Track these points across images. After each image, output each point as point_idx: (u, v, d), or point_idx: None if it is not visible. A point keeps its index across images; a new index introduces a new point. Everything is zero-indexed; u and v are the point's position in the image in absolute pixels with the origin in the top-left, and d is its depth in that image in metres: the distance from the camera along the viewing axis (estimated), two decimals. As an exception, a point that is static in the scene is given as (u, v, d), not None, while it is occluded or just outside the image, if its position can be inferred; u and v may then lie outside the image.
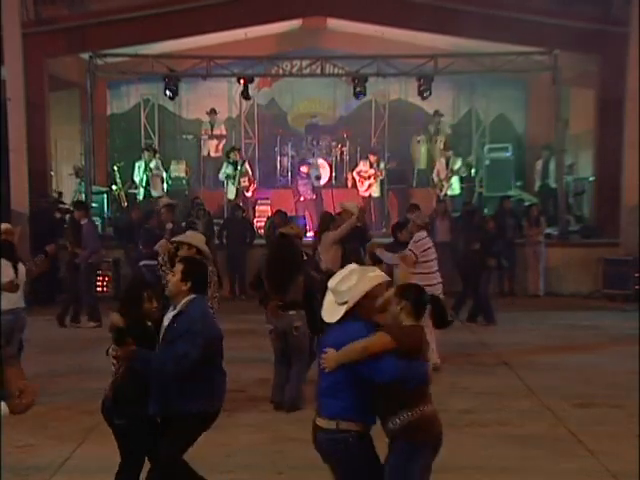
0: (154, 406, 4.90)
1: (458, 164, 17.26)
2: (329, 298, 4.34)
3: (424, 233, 9.39)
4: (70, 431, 7.15)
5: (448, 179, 17.16)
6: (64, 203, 16.41)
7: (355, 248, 10.03)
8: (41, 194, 15.66)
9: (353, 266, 4.38)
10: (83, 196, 16.52)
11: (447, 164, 17.27)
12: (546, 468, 5.88)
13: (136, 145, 19.06)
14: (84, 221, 12.90)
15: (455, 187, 17.34)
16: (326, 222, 10.13)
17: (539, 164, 17.56)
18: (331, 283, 4.30)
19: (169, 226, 12.84)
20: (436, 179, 17.40)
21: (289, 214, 16.21)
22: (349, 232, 9.58)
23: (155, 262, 11.26)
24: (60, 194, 17.20)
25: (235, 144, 18.74)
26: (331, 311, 4.29)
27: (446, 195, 17.11)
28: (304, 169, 17.70)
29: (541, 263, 15.04)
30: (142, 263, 12.24)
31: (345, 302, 4.19)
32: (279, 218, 13.43)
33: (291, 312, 7.69)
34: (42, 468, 6.18)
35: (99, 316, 12.23)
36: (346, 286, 4.21)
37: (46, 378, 8.88)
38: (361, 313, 4.20)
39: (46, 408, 7.79)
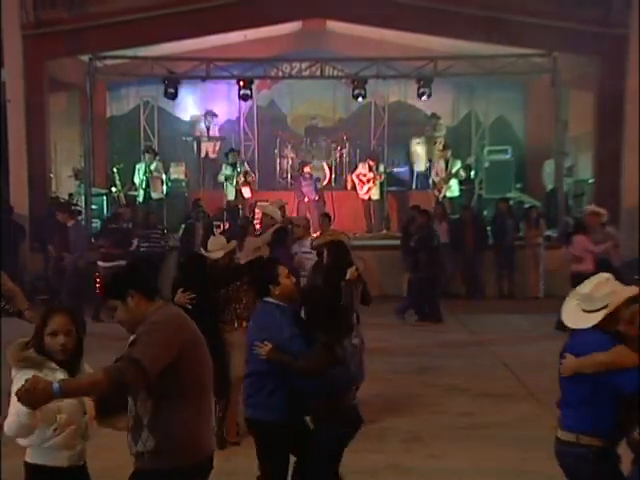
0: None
1: (457, 166, 17.25)
2: (572, 304, 4.26)
3: None
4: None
5: (447, 181, 17.16)
6: (62, 203, 16.36)
7: (284, 253, 9.45)
8: (42, 197, 15.65)
9: (606, 274, 4.36)
10: (83, 198, 16.53)
11: (446, 166, 17.26)
12: (546, 471, 5.87)
13: (136, 147, 19.06)
14: (70, 223, 12.81)
15: (454, 189, 17.33)
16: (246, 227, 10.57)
17: (550, 165, 17.40)
18: (583, 289, 4.24)
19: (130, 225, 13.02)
20: (437, 179, 17.36)
21: (291, 215, 16.27)
22: (274, 237, 9.48)
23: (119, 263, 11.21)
24: (70, 195, 17.15)
25: (235, 146, 18.74)
26: (577, 317, 4.19)
27: (445, 197, 17.11)
28: (308, 170, 17.68)
29: (541, 265, 15.04)
30: (114, 264, 12.18)
31: (601, 308, 4.11)
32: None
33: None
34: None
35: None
36: (604, 292, 4.15)
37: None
38: (610, 321, 4.12)
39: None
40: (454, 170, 17.10)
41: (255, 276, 5.22)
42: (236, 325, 6.96)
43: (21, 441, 3.76)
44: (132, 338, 3.58)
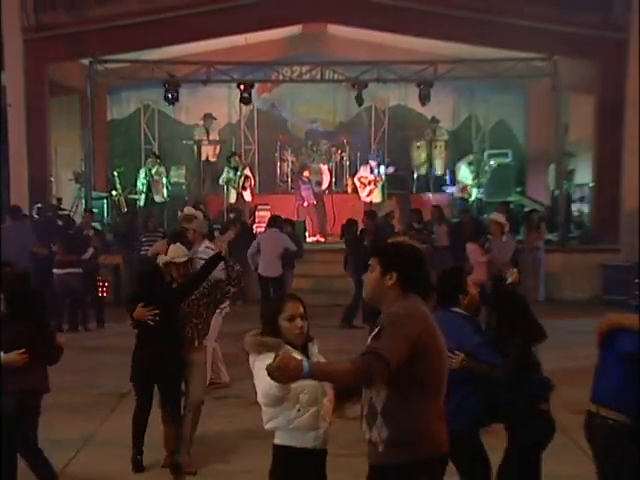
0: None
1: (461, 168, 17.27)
2: None
3: None
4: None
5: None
6: (63, 209, 16.38)
7: None
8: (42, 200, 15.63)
9: None
10: (84, 202, 16.53)
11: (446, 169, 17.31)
12: (547, 475, 5.87)
13: (136, 151, 19.08)
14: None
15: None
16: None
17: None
18: None
19: (90, 231, 12.85)
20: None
21: (294, 219, 16.25)
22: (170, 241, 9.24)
23: (80, 270, 10.86)
24: (59, 200, 17.15)
25: (235, 149, 18.76)
26: None
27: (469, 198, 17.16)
28: (307, 174, 17.69)
29: (541, 269, 15.03)
30: (67, 271, 12.05)
31: None
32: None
33: None
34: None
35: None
36: None
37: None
38: None
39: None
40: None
41: (443, 286, 4.96)
42: (196, 343, 6.47)
43: (269, 424, 3.93)
44: (375, 331, 3.53)
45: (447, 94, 19.08)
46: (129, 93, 20.04)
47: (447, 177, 18.43)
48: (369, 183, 17.45)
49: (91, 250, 12.90)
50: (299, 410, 3.86)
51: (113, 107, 20.09)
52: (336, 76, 17.54)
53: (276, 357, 3.34)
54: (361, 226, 13.17)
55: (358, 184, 17.61)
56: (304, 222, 17.19)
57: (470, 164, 17.45)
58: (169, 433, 6.39)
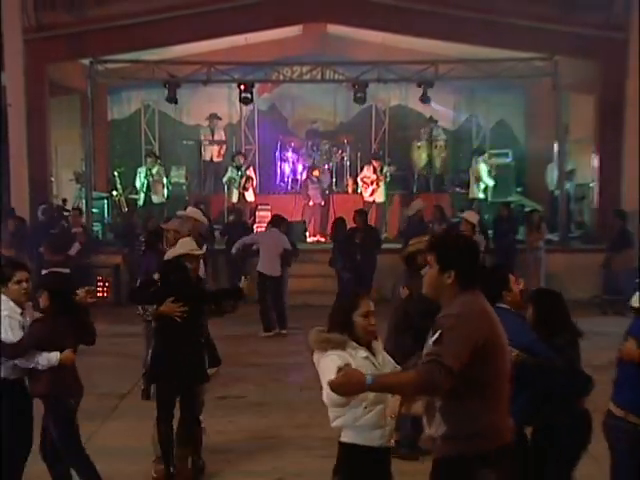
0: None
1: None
2: None
3: None
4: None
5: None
6: (68, 210, 16.34)
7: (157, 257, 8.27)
8: (43, 200, 15.61)
9: None
10: (84, 202, 16.53)
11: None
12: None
13: (137, 151, 19.07)
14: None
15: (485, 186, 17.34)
16: None
17: (553, 168, 17.25)
18: None
19: (78, 230, 12.73)
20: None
21: (294, 219, 16.27)
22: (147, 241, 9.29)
23: (67, 270, 10.73)
24: (64, 201, 17.12)
25: (236, 149, 18.75)
26: None
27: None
28: (316, 173, 17.66)
29: (541, 269, 15.02)
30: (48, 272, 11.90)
31: None
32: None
33: None
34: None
35: None
36: None
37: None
38: None
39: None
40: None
41: (487, 283, 5.00)
42: None
43: (336, 422, 3.99)
44: (436, 336, 3.51)
45: (447, 94, 19.07)
46: (129, 93, 20.03)
47: (464, 176, 18.13)
48: (372, 183, 17.43)
49: (77, 245, 12.73)
50: (365, 407, 3.90)
51: (113, 107, 20.08)
52: (336, 76, 17.52)
53: (339, 371, 3.45)
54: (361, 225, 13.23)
55: (361, 184, 17.60)
56: (304, 222, 17.19)
57: (485, 162, 17.38)
58: (183, 436, 6.19)
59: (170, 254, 6.37)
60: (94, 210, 16.64)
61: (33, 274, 5.91)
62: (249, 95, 16.96)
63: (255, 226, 16.48)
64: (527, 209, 16.60)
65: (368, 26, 16.54)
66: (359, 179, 17.73)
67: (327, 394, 3.71)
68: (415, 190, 18.51)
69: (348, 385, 3.37)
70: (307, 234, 17.07)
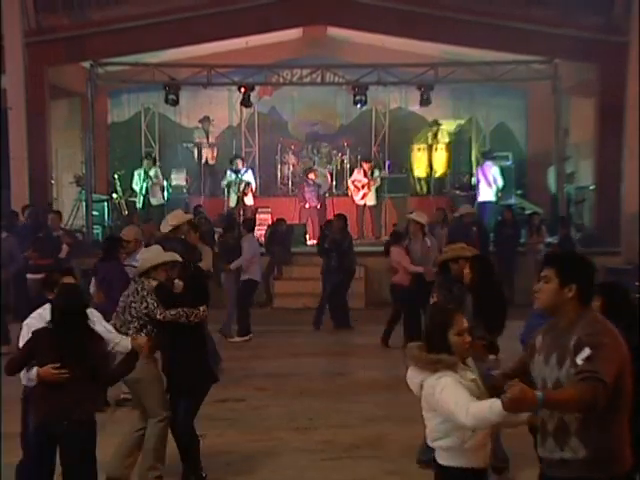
0: None
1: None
2: None
3: None
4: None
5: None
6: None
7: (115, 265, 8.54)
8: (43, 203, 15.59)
9: None
10: (84, 205, 16.52)
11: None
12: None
13: (137, 153, 19.07)
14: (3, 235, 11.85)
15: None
16: None
17: (554, 171, 17.29)
18: None
19: (59, 232, 12.67)
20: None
21: (291, 222, 16.25)
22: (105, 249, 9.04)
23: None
24: (50, 204, 16.97)
25: (236, 152, 18.76)
26: None
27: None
28: (312, 176, 17.67)
29: (542, 271, 14.97)
30: (39, 277, 11.56)
31: None
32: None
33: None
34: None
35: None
36: None
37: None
38: None
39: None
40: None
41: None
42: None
43: (439, 443, 3.79)
44: (588, 353, 3.43)
45: (447, 97, 19.08)
46: (130, 96, 20.03)
47: (475, 179, 18.00)
48: (362, 186, 17.43)
49: (66, 248, 12.55)
50: (474, 430, 3.72)
51: (114, 110, 20.10)
52: (337, 79, 17.55)
53: (506, 387, 3.31)
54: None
55: (352, 187, 17.58)
56: (305, 225, 17.19)
57: (494, 164, 17.32)
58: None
59: (145, 265, 6.22)
60: (94, 213, 16.64)
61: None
62: (249, 98, 16.99)
63: (255, 229, 16.46)
64: (527, 212, 16.60)
65: (368, 29, 16.55)
66: (349, 182, 17.73)
67: (474, 414, 3.54)
68: (415, 193, 18.52)
69: (523, 401, 3.25)
70: (307, 237, 17.07)
